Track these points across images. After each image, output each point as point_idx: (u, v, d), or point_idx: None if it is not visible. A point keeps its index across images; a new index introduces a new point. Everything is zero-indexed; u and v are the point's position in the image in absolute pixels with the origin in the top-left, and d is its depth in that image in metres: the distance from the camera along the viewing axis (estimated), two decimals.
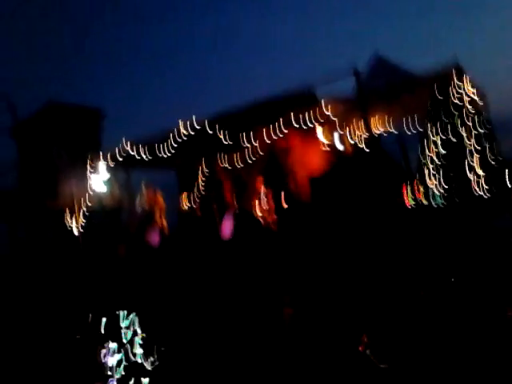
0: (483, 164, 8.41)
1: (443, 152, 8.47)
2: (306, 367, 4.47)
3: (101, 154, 10.12)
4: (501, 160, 8.90)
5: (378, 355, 4.31)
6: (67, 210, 10.38)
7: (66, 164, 10.81)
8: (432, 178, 8.44)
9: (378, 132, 9.61)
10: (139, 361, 5.79)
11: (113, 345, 5.74)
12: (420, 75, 8.51)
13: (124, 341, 6.23)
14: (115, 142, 10.06)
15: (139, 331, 6.41)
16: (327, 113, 8.64)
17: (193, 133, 9.08)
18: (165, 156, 9.78)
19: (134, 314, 6.68)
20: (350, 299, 6.16)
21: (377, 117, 9.27)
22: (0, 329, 7.61)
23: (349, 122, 9.49)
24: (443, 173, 8.41)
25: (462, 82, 8.37)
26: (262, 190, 10.16)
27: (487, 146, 8.55)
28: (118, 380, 5.62)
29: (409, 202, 8.48)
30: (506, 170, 8.60)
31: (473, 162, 8.35)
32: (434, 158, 8.46)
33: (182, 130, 9.09)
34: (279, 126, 9.30)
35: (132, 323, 6.56)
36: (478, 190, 8.18)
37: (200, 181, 12.09)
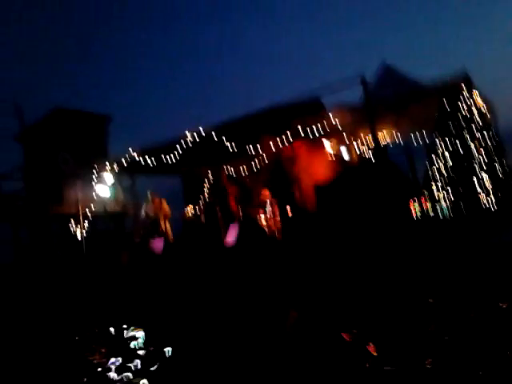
0: (491, 176, 8.33)
1: (451, 164, 8.39)
2: (308, 370, 4.42)
3: (106, 160, 10.14)
4: (509, 172, 8.81)
5: (383, 358, 4.25)
6: (72, 215, 10.39)
7: (71, 169, 10.81)
8: (439, 189, 8.35)
9: (384, 142, 9.55)
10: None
11: (116, 360, 5.68)
12: (428, 86, 8.45)
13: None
14: (121, 148, 10.10)
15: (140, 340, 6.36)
16: (334, 122, 8.60)
17: (199, 141, 9.06)
18: (170, 163, 9.77)
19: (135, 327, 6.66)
20: (355, 307, 6.10)
21: (384, 127, 9.21)
22: (3, 335, 7.58)
23: (356, 132, 9.43)
24: (451, 184, 8.32)
25: (471, 94, 8.30)
26: (267, 198, 10.11)
27: (496, 158, 8.47)
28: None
29: (415, 213, 8.38)
30: None
31: (481, 174, 8.27)
32: (442, 169, 8.38)
33: (189, 138, 9.08)
34: (285, 135, 9.27)
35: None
36: (485, 202, 8.08)
37: (205, 188, 12.08)
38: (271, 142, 9.53)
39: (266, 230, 9.63)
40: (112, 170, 10.09)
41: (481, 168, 8.30)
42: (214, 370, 4.81)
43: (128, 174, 11.03)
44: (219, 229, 10.09)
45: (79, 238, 10.14)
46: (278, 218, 9.64)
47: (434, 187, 8.33)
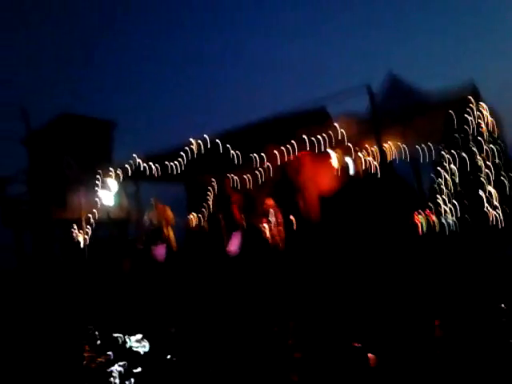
0: (499, 191, 8.21)
1: (458, 177, 8.29)
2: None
3: (110, 166, 10.13)
4: None
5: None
6: (75, 221, 10.36)
7: (75, 174, 10.80)
8: (446, 203, 8.25)
9: (391, 154, 9.47)
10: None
11: (119, 367, 5.63)
12: (435, 98, 8.37)
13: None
14: (126, 154, 10.09)
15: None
16: (340, 133, 8.53)
17: (203, 149, 9.03)
18: (174, 171, 9.74)
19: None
20: (358, 321, 6.01)
21: (390, 138, 9.14)
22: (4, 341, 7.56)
23: (361, 143, 9.36)
24: (457, 199, 8.22)
25: (479, 106, 8.21)
26: (271, 208, 10.04)
27: (503, 172, 8.36)
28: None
29: (421, 227, 8.28)
30: None
31: (488, 188, 8.16)
32: (449, 183, 8.28)
33: (193, 146, 9.05)
34: (291, 145, 9.21)
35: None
36: (493, 218, 7.97)
37: (209, 197, 12.03)
38: (276, 152, 9.47)
39: (270, 239, 9.56)
40: (116, 176, 10.07)
41: (488, 182, 8.19)
42: (214, 378, 4.74)
43: (132, 180, 11.01)
44: (222, 238, 10.03)
45: (82, 244, 10.12)
46: (282, 228, 9.57)
47: (440, 201, 8.23)
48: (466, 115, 8.16)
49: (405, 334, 5.17)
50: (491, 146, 8.27)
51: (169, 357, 5.60)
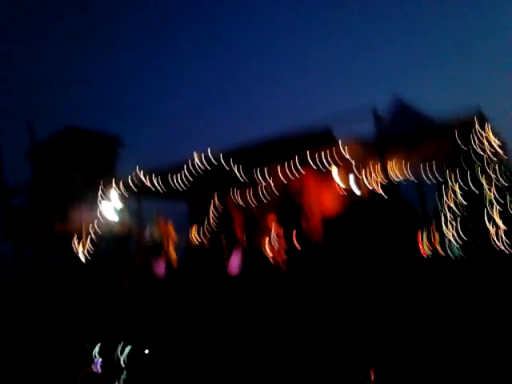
0: (504, 216, 8.12)
1: (462, 201, 8.22)
2: None
3: (113, 181, 10.12)
4: None
5: None
6: (75, 236, 10.30)
7: (78, 189, 10.77)
8: (450, 227, 8.15)
9: (395, 177, 9.42)
10: None
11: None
12: (441, 121, 8.36)
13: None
14: (130, 170, 10.08)
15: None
16: (344, 154, 8.51)
17: (206, 166, 9.01)
18: (177, 187, 9.71)
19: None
20: (359, 346, 5.90)
21: (394, 161, 9.11)
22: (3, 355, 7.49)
23: (366, 165, 9.33)
24: (461, 223, 8.13)
25: (485, 131, 8.18)
26: (274, 228, 9.96)
27: (508, 197, 8.27)
28: None
29: (425, 251, 8.18)
30: None
31: (493, 213, 8.07)
32: (453, 206, 8.21)
33: (197, 162, 9.03)
34: (295, 165, 9.18)
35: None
36: (497, 242, 7.86)
37: (211, 215, 11.96)
38: (280, 171, 9.44)
39: (271, 260, 9.45)
40: (118, 191, 10.05)
41: (493, 206, 8.11)
42: None
43: (134, 196, 10.99)
44: (223, 256, 9.93)
45: (82, 258, 10.04)
46: (284, 249, 9.48)
47: (443, 225, 8.14)
48: (470, 138, 8.13)
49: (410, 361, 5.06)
50: (496, 169, 8.21)
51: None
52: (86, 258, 10.03)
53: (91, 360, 6.93)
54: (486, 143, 8.17)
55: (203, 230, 11.50)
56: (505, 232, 7.88)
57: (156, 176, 9.59)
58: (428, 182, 8.99)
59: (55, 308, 8.81)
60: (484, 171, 8.17)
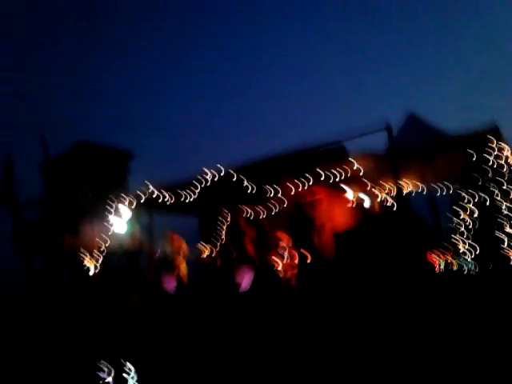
0: None
1: (476, 215, 8.09)
2: None
3: (124, 195, 10.13)
4: None
5: None
6: (85, 250, 10.31)
7: (90, 203, 10.80)
8: (463, 241, 8.02)
9: (407, 192, 9.32)
10: None
11: None
12: (455, 137, 8.27)
13: None
14: (141, 184, 10.09)
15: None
16: (357, 169, 8.44)
17: (218, 180, 8.98)
18: (188, 202, 9.69)
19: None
20: (372, 366, 5.78)
21: (408, 176, 9.01)
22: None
23: (378, 180, 9.25)
24: (475, 237, 8.00)
25: (499, 147, 8.07)
26: (285, 243, 9.89)
27: None
28: None
29: (438, 266, 8.05)
30: None
31: (508, 227, 7.93)
32: (467, 219, 8.08)
33: (208, 177, 9.01)
34: (306, 180, 9.12)
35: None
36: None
37: (222, 229, 11.92)
38: (291, 186, 9.39)
39: (282, 275, 9.36)
40: (129, 205, 10.05)
41: (508, 223, 7.97)
42: None
43: (146, 210, 10.99)
44: (234, 272, 9.85)
45: (92, 272, 10.03)
46: (295, 265, 9.38)
47: (458, 241, 8.01)
48: (485, 155, 8.02)
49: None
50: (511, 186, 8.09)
51: None
52: (96, 273, 10.01)
53: (98, 376, 6.87)
54: (503, 157, 8.06)
55: (214, 244, 11.44)
56: None
57: (167, 190, 9.59)
58: (441, 195, 8.89)
59: (63, 322, 8.78)
60: (499, 185, 8.05)
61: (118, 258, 10.65)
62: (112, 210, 10.08)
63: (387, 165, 7.85)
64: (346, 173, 8.69)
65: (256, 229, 10.55)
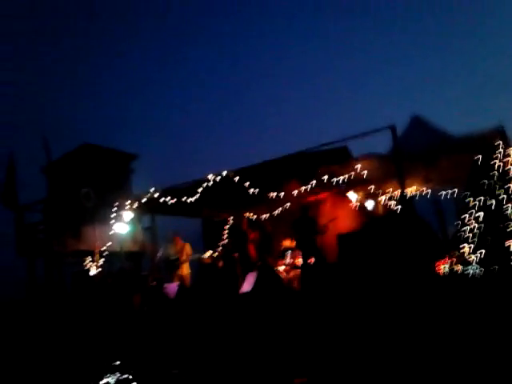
0: None
1: (482, 218, 7.99)
2: None
3: (128, 197, 10.10)
4: None
5: None
6: (88, 252, 10.27)
7: (93, 206, 10.75)
8: (469, 244, 7.93)
9: (412, 194, 9.25)
10: None
11: None
12: (461, 141, 8.17)
13: None
14: (145, 187, 10.06)
15: None
16: (361, 172, 8.36)
17: (221, 184, 8.92)
18: (191, 205, 9.64)
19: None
20: (376, 366, 5.71)
21: (413, 180, 8.93)
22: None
23: (383, 183, 9.17)
24: (481, 240, 7.90)
25: (507, 152, 7.96)
26: (288, 247, 9.83)
27: None
28: None
29: (442, 269, 7.96)
30: None
31: None
32: (473, 222, 7.98)
33: (211, 180, 8.96)
34: (310, 183, 9.06)
35: None
36: None
37: (225, 233, 11.88)
38: (295, 189, 9.32)
39: (285, 279, 9.29)
40: (133, 208, 10.02)
41: None
42: None
43: (149, 213, 10.95)
44: (237, 276, 9.78)
45: (94, 275, 9.99)
46: (298, 268, 9.31)
47: (464, 248, 7.91)
48: (493, 159, 7.92)
49: None
50: None
51: None
52: (98, 275, 9.97)
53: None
54: (510, 160, 7.95)
55: (217, 248, 11.40)
56: None
57: (171, 193, 9.54)
58: (446, 198, 8.81)
59: (64, 326, 8.73)
60: (506, 193, 7.95)
61: (121, 261, 10.62)
62: (115, 213, 10.06)
63: (391, 167, 7.76)
64: (350, 176, 8.61)
65: (260, 233, 10.49)
